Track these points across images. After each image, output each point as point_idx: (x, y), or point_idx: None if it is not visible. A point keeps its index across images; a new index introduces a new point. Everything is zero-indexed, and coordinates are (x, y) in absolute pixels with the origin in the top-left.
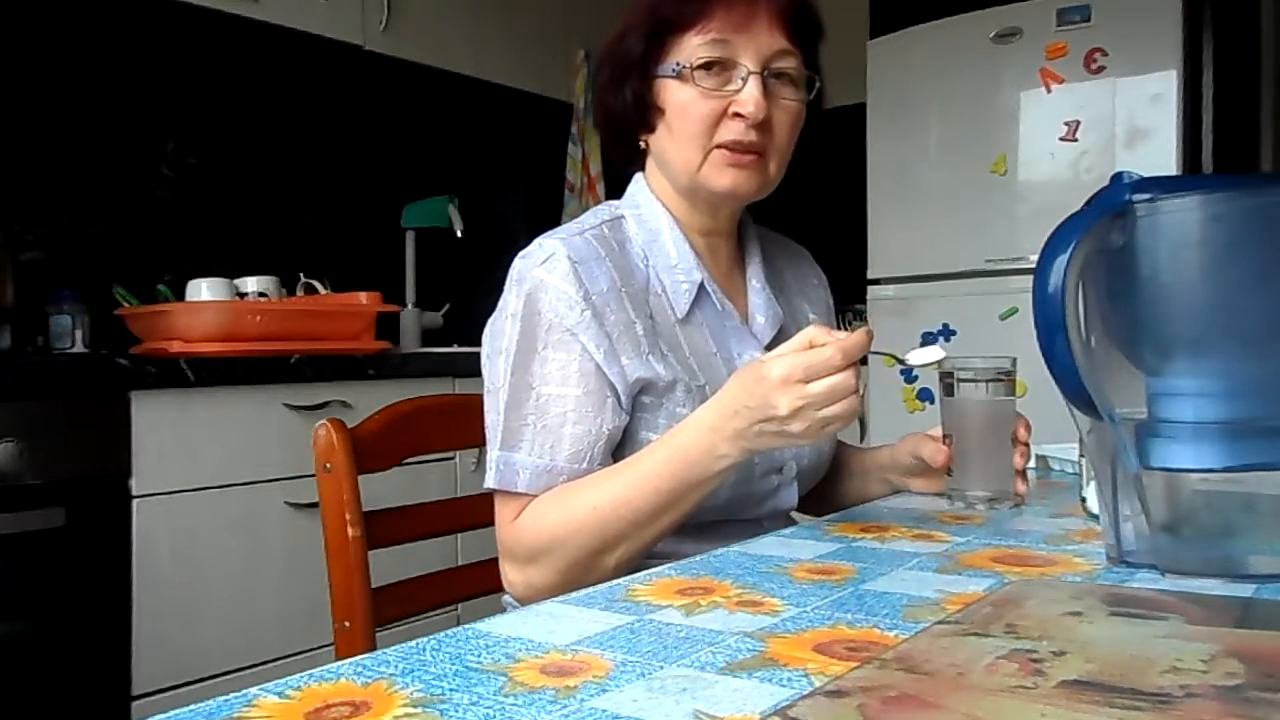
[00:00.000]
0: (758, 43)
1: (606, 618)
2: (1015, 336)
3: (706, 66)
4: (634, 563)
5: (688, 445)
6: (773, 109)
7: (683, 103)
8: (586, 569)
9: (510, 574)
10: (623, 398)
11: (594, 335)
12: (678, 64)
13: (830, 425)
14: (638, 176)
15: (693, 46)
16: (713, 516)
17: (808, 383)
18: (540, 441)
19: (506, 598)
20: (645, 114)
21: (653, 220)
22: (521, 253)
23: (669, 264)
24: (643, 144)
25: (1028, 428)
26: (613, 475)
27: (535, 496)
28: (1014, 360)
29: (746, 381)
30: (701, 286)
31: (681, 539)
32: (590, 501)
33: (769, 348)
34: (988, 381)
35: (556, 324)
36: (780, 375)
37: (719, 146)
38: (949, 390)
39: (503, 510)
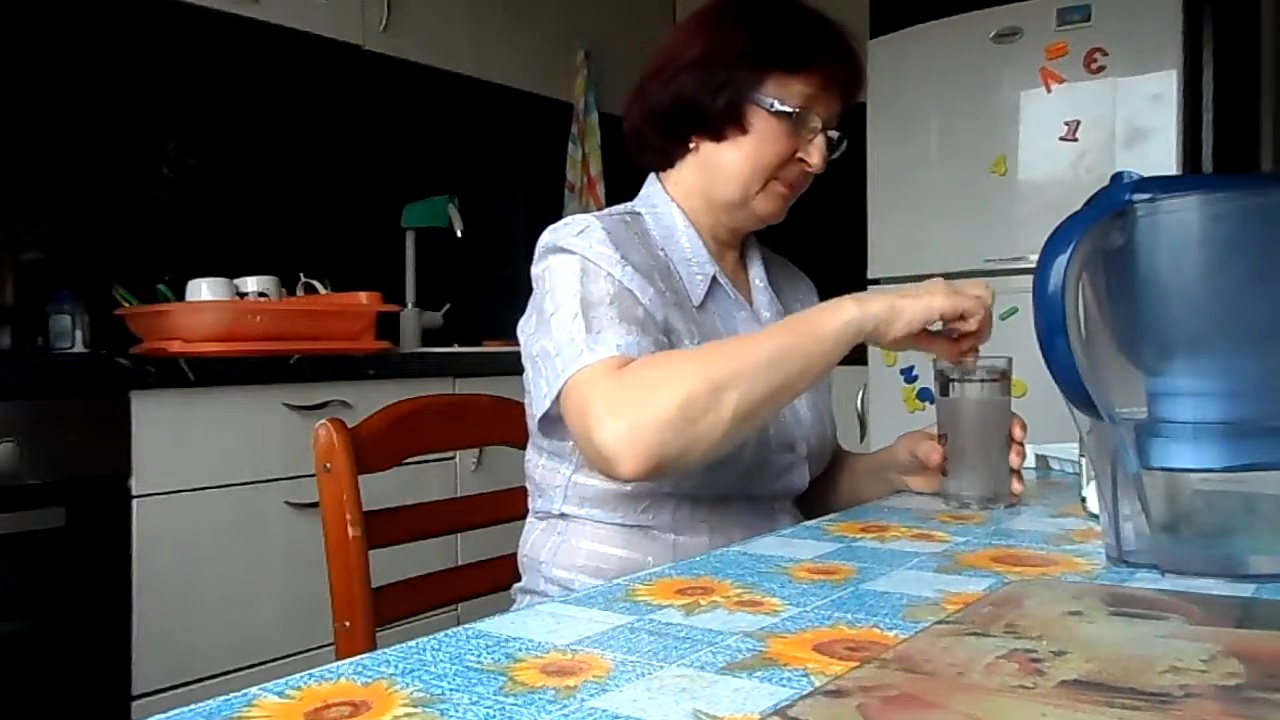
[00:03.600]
0: (830, 103)
1: (606, 618)
2: (1015, 336)
3: (797, 114)
4: (750, 420)
5: (804, 312)
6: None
7: (770, 135)
8: (706, 404)
9: (612, 424)
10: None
11: (638, 285)
12: (779, 102)
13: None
14: (652, 178)
15: (795, 92)
16: (728, 489)
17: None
18: (627, 327)
19: (515, 588)
20: (724, 126)
21: (667, 218)
22: (550, 227)
23: (684, 256)
24: (693, 145)
25: (1023, 427)
26: (721, 340)
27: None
28: (1009, 359)
29: None
30: (714, 278)
31: (695, 515)
32: (702, 348)
33: None
34: (982, 381)
35: (606, 271)
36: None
37: (776, 179)
38: (944, 389)
39: (595, 374)
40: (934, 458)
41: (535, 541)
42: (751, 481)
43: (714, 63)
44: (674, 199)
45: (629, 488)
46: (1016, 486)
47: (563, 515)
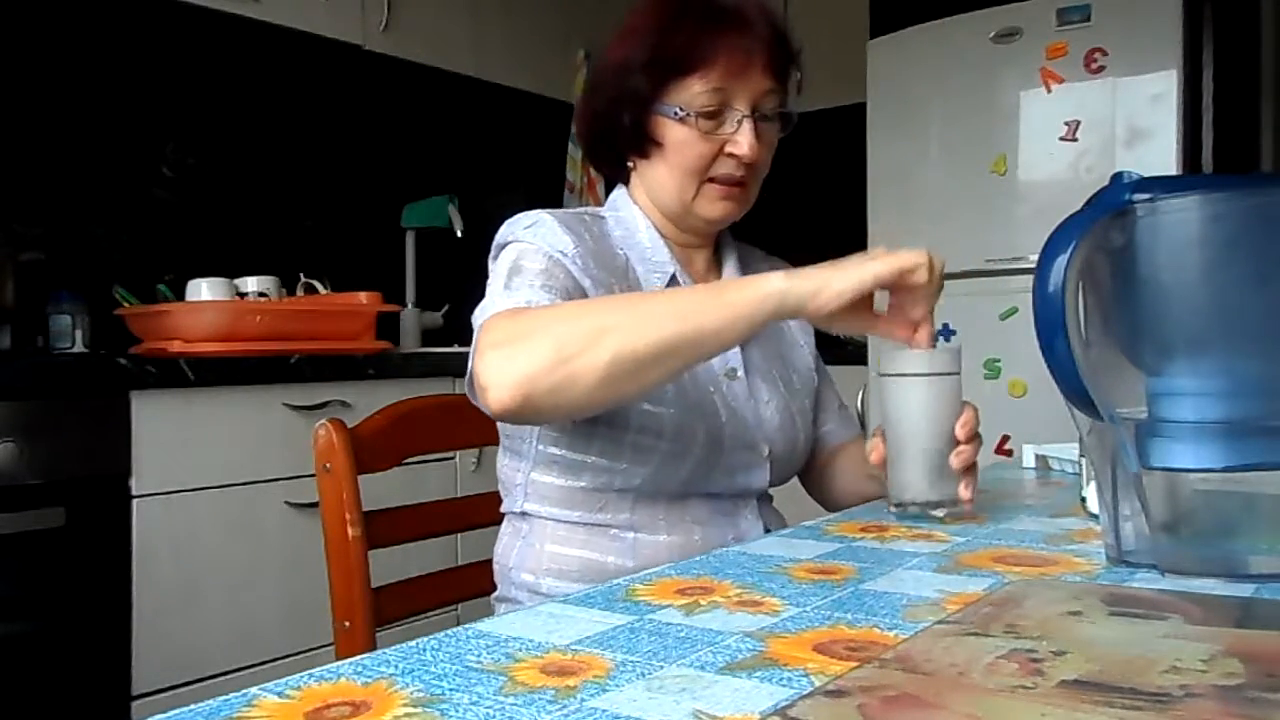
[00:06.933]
0: (750, 86)
1: (606, 618)
2: (1015, 336)
3: (706, 111)
4: (632, 371)
5: (730, 279)
6: (759, 145)
7: (682, 142)
8: (584, 344)
9: (490, 355)
10: None
11: (579, 270)
12: (680, 109)
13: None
14: (620, 188)
15: (694, 92)
16: (684, 486)
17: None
18: (547, 292)
19: (493, 598)
20: (641, 143)
21: (630, 220)
22: (508, 220)
23: (644, 255)
24: (630, 164)
25: (970, 424)
26: (632, 293)
27: None
28: (958, 347)
29: None
30: (674, 278)
31: (654, 512)
32: (605, 297)
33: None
34: (916, 375)
35: (547, 252)
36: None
37: (711, 180)
38: (883, 379)
39: (496, 318)
40: (873, 456)
41: (504, 547)
42: (707, 479)
43: (620, 78)
44: (639, 206)
45: (583, 482)
46: (964, 492)
47: (524, 514)
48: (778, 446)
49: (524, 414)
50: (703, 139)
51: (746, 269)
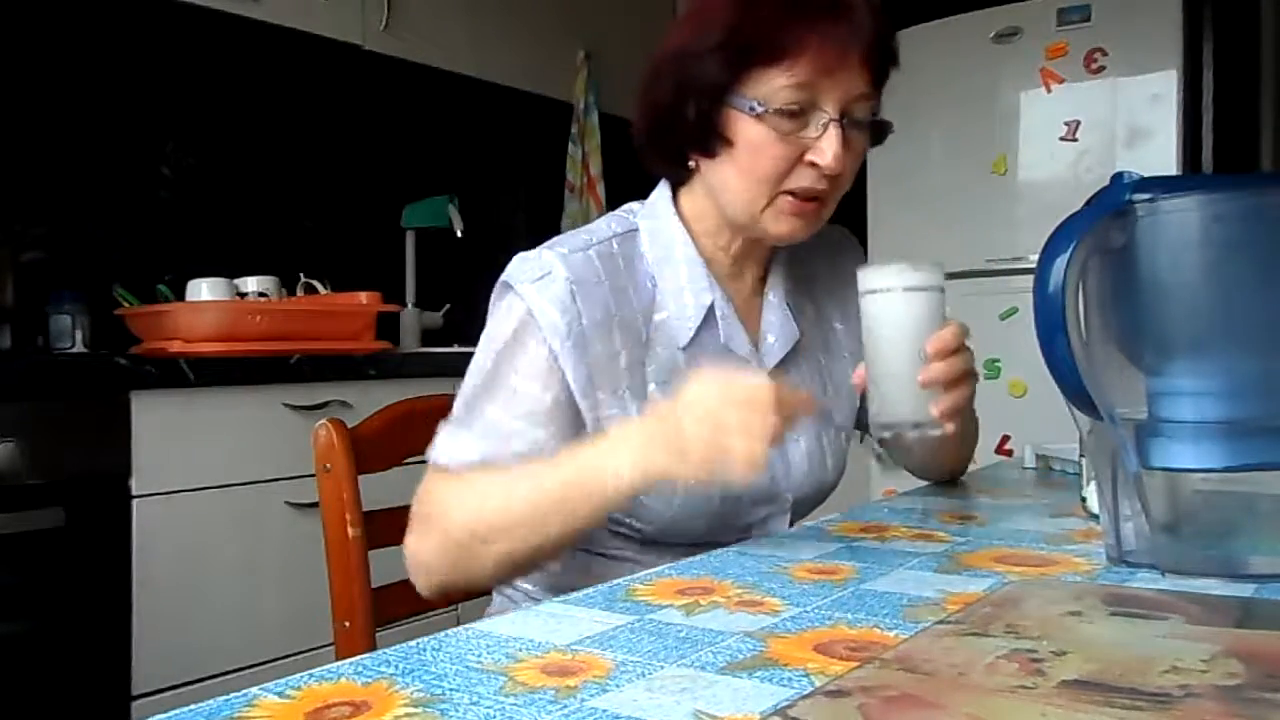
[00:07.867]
0: (842, 86)
1: (606, 618)
2: (1015, 336)
3: (788, 109)
4: (523, 566)
5: (590, 457)
6: (845, 155)
7: (757, 143)
8: (471, 553)
9: (411, 540)
10: (588, 426)
11: (573, 365)
12: (758, 103)
13: (726, 455)
14: (665, 188)
15: (777, 86)
16: (696, 539)
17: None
18: (508, 424)
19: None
20: (708, 140)
21: (667, 239)
22: (522, 254)
23: (678, 285)
24: (693, 164)
25: (942, 340)
26: (520, 471)
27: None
28: (940, 263)
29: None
30: (710, 311)
31: (662, 557)
32: (496, 482)
33: (778, 367)
34: (890, 290)
35: (543, 337)
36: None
37: (786, 192)
38: (860, 297)
39: (436, 474)
40: (855, 379)
41: None
42: (721, 533)
43: (686, 63)
44: (681, 215)
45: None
46: (933, 409)
47: None
48: (803, 491)
49: (444, 595)
50: (780, 141)
51: (801, 266)
